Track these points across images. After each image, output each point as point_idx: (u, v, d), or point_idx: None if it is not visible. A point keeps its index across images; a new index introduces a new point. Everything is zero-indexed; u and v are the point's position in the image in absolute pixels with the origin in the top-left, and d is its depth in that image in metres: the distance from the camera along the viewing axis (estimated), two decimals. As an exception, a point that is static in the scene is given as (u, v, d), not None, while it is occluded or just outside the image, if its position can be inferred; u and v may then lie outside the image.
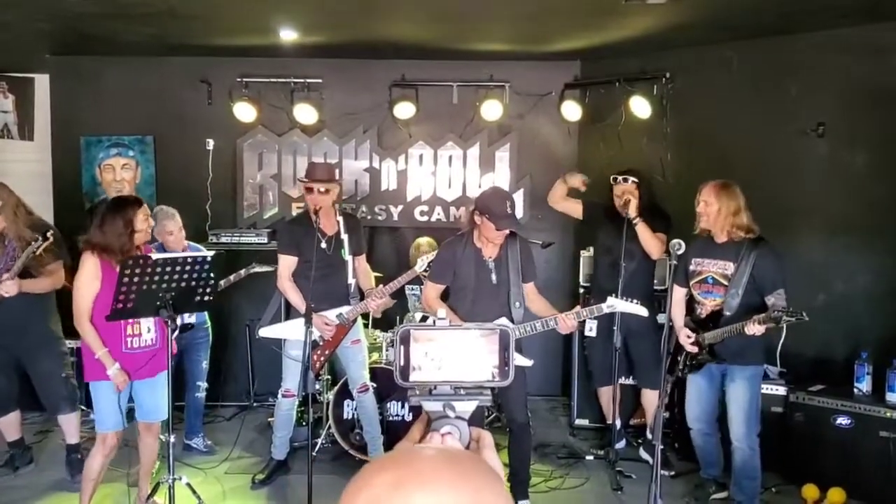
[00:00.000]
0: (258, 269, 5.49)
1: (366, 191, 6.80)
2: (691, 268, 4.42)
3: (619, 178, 5.06)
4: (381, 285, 4.84)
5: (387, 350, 5.39)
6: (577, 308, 4.22)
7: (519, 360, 4.08)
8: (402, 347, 1.30)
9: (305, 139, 6.74)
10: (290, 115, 6.52)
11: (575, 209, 5.48)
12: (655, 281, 5.34)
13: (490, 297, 4.18)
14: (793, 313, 3.84)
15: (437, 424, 1.23)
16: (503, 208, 4.00)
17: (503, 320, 4.11)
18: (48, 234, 4.34)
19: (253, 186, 6.79)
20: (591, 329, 5.33)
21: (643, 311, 4.18)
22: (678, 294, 4.48)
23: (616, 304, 4.12)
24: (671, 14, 4.94)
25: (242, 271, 5.56)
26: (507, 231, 4.10)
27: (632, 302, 4.13)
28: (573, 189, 5.46)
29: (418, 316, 5.65)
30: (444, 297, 4.39)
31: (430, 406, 1.27)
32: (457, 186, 6.82)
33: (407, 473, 0.82)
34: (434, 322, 1.33)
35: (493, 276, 4.18)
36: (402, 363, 1.30)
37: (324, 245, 4.62)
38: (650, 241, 4.95)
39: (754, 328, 3.97)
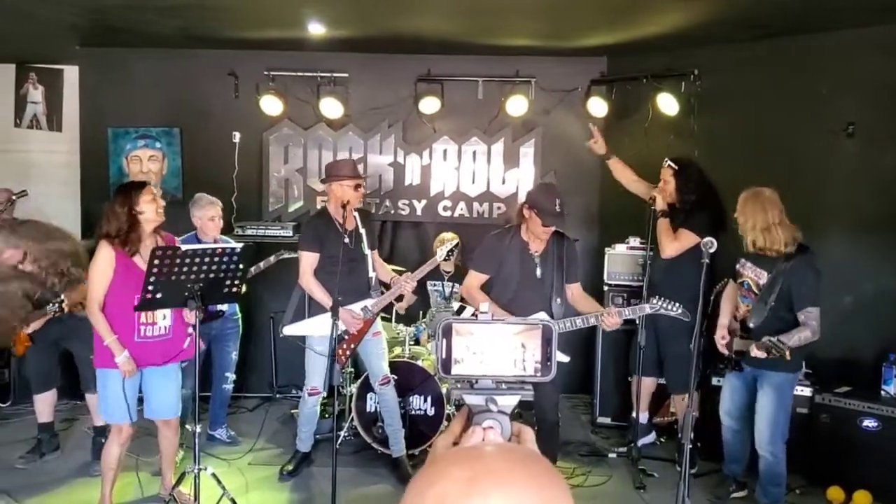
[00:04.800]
0: (287, 255, 5.51)
1: (390, 185, 6.81)
2: (737, 266, 4.38)
3: (668, 161, 5.02)
4: (406, 272, 4.86)
5: (409, 345, 5.40)
6: (620, 307, 4.22)
7: (557, 356, 4.07)
8: (444, 340, 1.29)
9: (331, 133, 6.76)
10: (316, 109, 6.54)
11: (646, 191, 5.28)
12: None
13: (532, 291, 4.20)
14: (779, 349, 3.88)
15: (478, 418, 1.22)
16: (552, 206, 4.02)
17: (542, 314, 4.12)
18: (63, 304, 4.38)
19: (278, 180, 6.82)
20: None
21: (685, 317, 4.15)
22: (730, 288, 4.46)
23: (658, 306, 4.09)
24: (700, 11, 4.91)
25: (272, 258, 5.59)
26: (553, 229, 4.10)
27: (674, 306, 4.09)
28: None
29: (456, 305, 5.68)
30: (487, 289, 4.39)
31: (472, 400, 1.26)
32: (480, 182, 6.81)
33: (481, 471, 0.81)
34: (476, 315, 1.33)
35: (538, 270, 4.20)
36: (443, 356, 1.30)
37: (346, 240, 4.64)
38: (663, 239, 4.91)
39: (755, 352, 4.00)
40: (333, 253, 4.48)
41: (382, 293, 4.81)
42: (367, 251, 4.79)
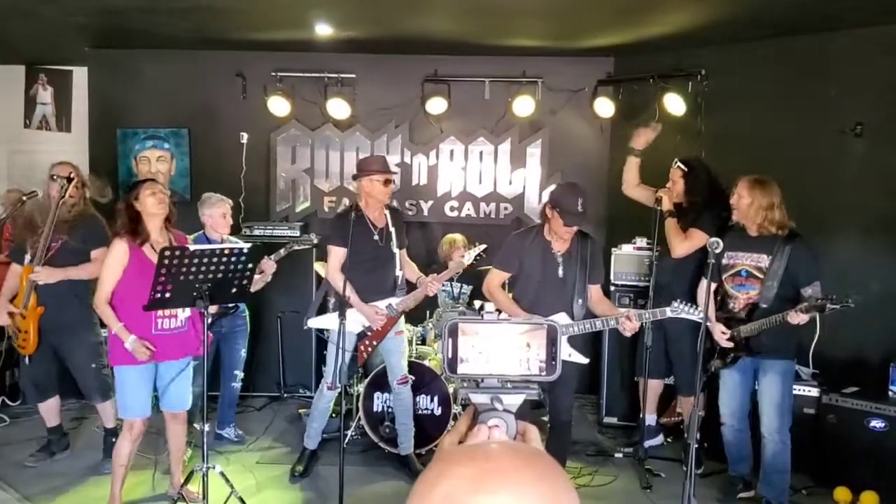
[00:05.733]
0: (297, 246, 5.46)
1: (396, 186, 6.79)
2: (724, 261, 4.41)
3: (678, 161, 5.01)
4: (432, 274, 4.86)
5: (416, 344, 5.42)
6: (639, 311, 4.20)
7: (576, 356, 4.08)
8: (450, 340, 1.31)
9: (338, 134, 6.79)
10: (324, 109, 6.57)
11: (648, 197, 5.24)
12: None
13: (554, 291, 4.18)
14: (837, 300, 3.84)
15: (484, 417, 1.23)
16: (574, 205, 4.00)
17: (563, 315, 4.12)
18: (70, 175, 4.52)
19: (286, 180, 6.86)
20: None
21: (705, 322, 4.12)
22: (707, 286, 4.44)
23: (679, 309, 4.07)
24: (707, 11, 4.91)
25: (282, 251, 5.54)
26: (576, 228, 4.10)
27: (695, 308, 4.08)
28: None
29: (476, 304, 5.71)
30: (510, 288, 4.40)
31: (478, 398, 1.28)
32: (487, 182, 6.83)
33: (488, 469, 0.82)
34: (482, 316, 1.34)
35: (560, 270, 4.18)
36: (450, 355, 1.31)
37: (375, 237, 4.66)
38: (672, 239, 4.91)
39: (798, 317, 3.97)
40: (360, 249, 4.50)
41: (407, 292, 4.82)
42: (396, 250, 4.80)
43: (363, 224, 4.63)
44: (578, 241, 4.22)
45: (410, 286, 4.86)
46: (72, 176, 4.58)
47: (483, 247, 4.94)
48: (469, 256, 4.76)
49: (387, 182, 4.71)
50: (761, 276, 4.27)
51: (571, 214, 4.00)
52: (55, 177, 4.61)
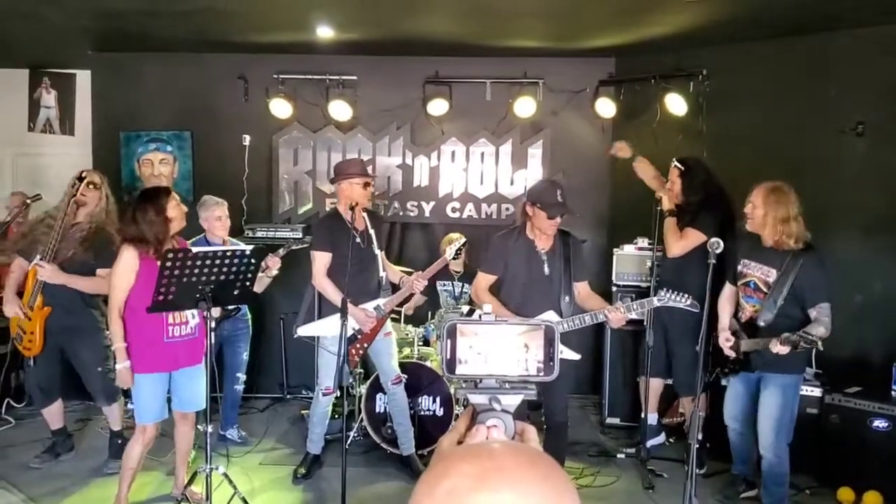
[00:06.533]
0: (295, 246, 5.45)
1: (398, 187, 6.84)
2: (739, 268, 4.35)
3: (675, 161, 5.02)
4: (416, 272, 4.88)
5: (418, 345, 5.43)
6: (628, 302, 4.21)
7: (567, 353, 4.08)
8: (448, 341, 1.32)
9: (340, 135, 6.80)
10: (325, 111, 6.58)
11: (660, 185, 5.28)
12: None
13: (541, 289, 4.20)
14: (810, 341, 3.81)
15: (482, 417, 1.24)
16: (554, 197, 4.05)
17: (551, 313, 4.14)
18: (83, 174, 4.57)
19: (288, 182, 6.87)
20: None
21: (694, 308, 4.11)
22: (728, 291, 4.44)
23: (666, 298, 4.09)
24: (708, 11, 4.91)
25: (281, 250, 5.55)
26: (559, 221, 4.12)
27: (682, 297, 4.09)
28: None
29: (465, 308, 5.70)
30: (497, 290, 4.40)
31: (476, 399, 1.29)
32: (489, 183, 6.83)
33: (490, 467, 0.83)
34: (480, 317, 1.35)
35: (546, 268, 4.21)
36: (448, 356, 1.32)
37: (358, 240, 4.68)
38: (669, 238, 4.92)
39: (777, 348, 3.92)
40: (344, 253, 4.51)
41: (392, 293, 4.84)
42: (378, 251, 4.82)
43: (344, 228, 4.65)
44: (560, 239, 4.26)
45: (394, 288, 4.88)
46: (83, 175, 4.60)
47: (463, 240, 4.98)
48: (450, 251, 4.79)
49: (366, 185, 4.73)
50: (767, 290, 4.18)
51: (553, 206, 4.04)
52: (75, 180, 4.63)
